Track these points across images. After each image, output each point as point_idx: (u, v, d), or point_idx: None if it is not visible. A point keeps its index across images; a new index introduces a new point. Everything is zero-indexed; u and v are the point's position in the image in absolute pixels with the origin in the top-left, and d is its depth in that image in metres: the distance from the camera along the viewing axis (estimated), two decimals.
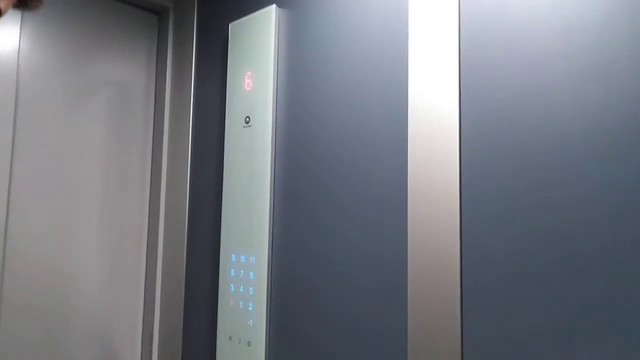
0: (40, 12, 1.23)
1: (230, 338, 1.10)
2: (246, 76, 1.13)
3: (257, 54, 1.12)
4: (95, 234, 1.31)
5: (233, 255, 1.12)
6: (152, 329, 1.35)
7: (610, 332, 0.61)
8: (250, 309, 1.07)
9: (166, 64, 1.41)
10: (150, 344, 1.34)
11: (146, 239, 1.41)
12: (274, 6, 1.10)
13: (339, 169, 0.95)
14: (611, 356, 0.61)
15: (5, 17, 1.16)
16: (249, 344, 1.06)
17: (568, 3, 0.68)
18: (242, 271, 1.09)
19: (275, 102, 1.09)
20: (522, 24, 0.72)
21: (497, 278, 0.72)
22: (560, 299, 0.66)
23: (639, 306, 0.59)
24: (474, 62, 0.77)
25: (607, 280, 0.62)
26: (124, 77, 1.39)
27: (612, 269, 0.62)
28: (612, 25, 0.64)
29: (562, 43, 0.68)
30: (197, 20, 1.35)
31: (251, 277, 1.07)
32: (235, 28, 1.18)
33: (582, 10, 0.67)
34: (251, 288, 1.07)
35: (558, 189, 0.67)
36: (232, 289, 1.11)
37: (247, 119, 1.12)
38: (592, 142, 0.64)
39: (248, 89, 1.13)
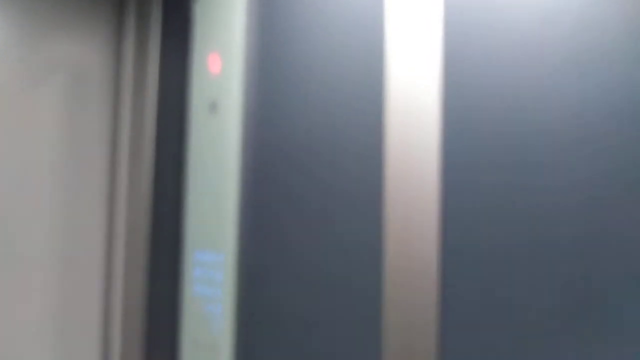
0: None
1: (195, 342, 1.05)
2: (211, 57, 1.06)
3: (225, 34, 1.05)
4: (48, 231, 1.24)
5: (197, 252, 1.07)
6: (111, 333, 1.29)
7: (592, 327, 0.61)
8: (217, 310, 1.02)
9: (128, 45, 1.34)
10: (109, 350, 1.28)
11: (105, 236, 1.34)
12: None
13: (312, 161, 0.92)
14: (594, 351, 0.61)
15: None
16: (214, 347, 1.01)
17: None
18: (208, 270, 1.05)
19: (244, 86, 1.02)
20: (507, 15, 0.70)
21: (476, 270, 0.71)
22: (541, 293, 0.65)
23: (618, 297, 0.59)
24: (458, 55, 0.75)
25: (590, 275, 0.62)
26: (81, 59, 1.31)
27: (595, 263, 0.61)
28: (589, 16, 0.62)
29: (544, 33, 0.67)
30: None
31: (217, 277, 1.02)
32: (202, 5, 1.11)
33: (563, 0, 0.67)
34: (218, 289, 1.02)
35: (540, 180, 0.66)
36: (198, 289, 1.06)
37: (214, 105, 1.05)
38: (574, 133, 0.64)
39: (214, 72, 1.05)
